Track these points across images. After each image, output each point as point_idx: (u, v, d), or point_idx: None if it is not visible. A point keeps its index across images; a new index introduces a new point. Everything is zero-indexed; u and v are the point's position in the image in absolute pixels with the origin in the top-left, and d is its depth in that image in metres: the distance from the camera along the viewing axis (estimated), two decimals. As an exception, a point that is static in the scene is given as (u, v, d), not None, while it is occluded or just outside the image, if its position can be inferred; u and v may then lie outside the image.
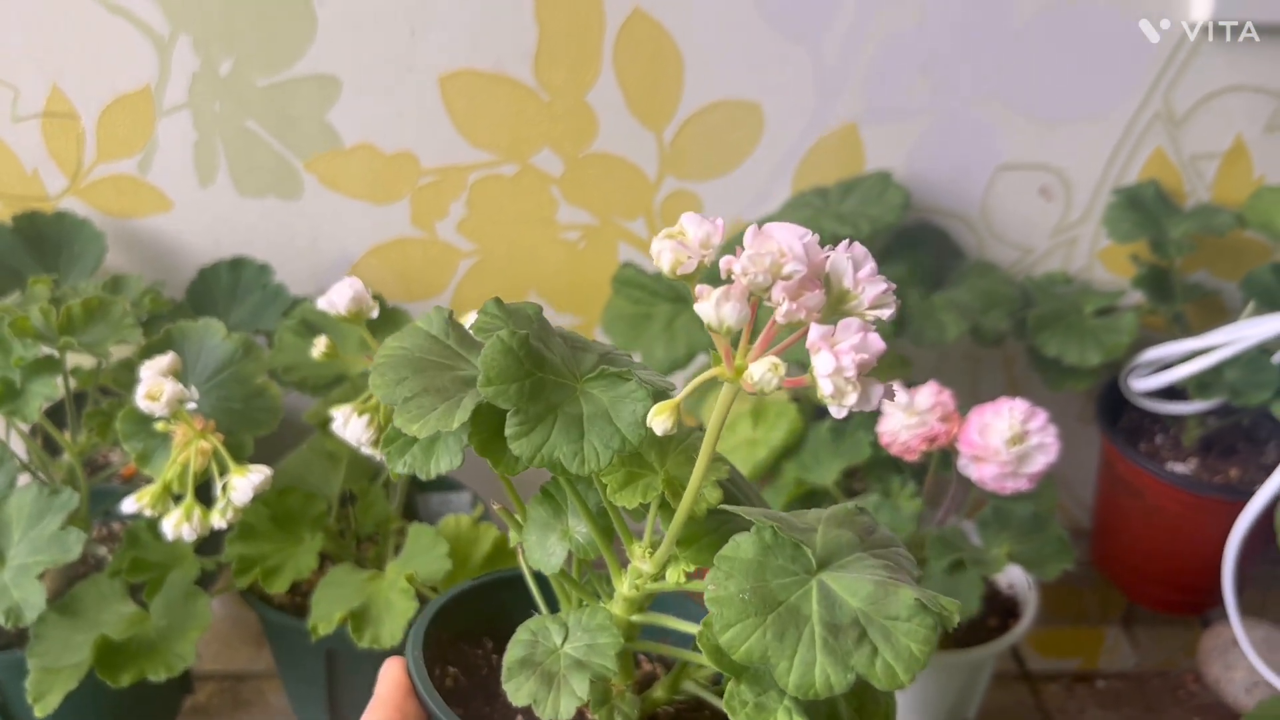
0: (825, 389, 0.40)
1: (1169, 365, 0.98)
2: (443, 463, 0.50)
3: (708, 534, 0.49)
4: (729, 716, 0.45)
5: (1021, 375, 1.11)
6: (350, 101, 0.98)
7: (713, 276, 0.43)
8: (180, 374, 0.76)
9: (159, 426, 0.76)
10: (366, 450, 0.75)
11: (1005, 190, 1.04)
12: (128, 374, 0.84)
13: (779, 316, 0.42)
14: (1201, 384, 0.97)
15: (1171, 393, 1.02)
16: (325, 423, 0.90)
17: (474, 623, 0.59)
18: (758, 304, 0.42)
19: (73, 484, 0.84)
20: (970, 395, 0.97)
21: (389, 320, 0.89)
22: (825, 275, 0.43)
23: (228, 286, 1.00)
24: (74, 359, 0.87)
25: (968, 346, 1.09)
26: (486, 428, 0.48)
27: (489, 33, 0.95)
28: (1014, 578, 0.95)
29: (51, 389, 0.79)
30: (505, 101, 0.98)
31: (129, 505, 0.75)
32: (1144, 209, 1.01)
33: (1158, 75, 0.98)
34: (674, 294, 1.00)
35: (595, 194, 1.03)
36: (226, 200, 1.01)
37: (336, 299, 0.75)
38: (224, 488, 0.75)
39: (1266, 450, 1.04)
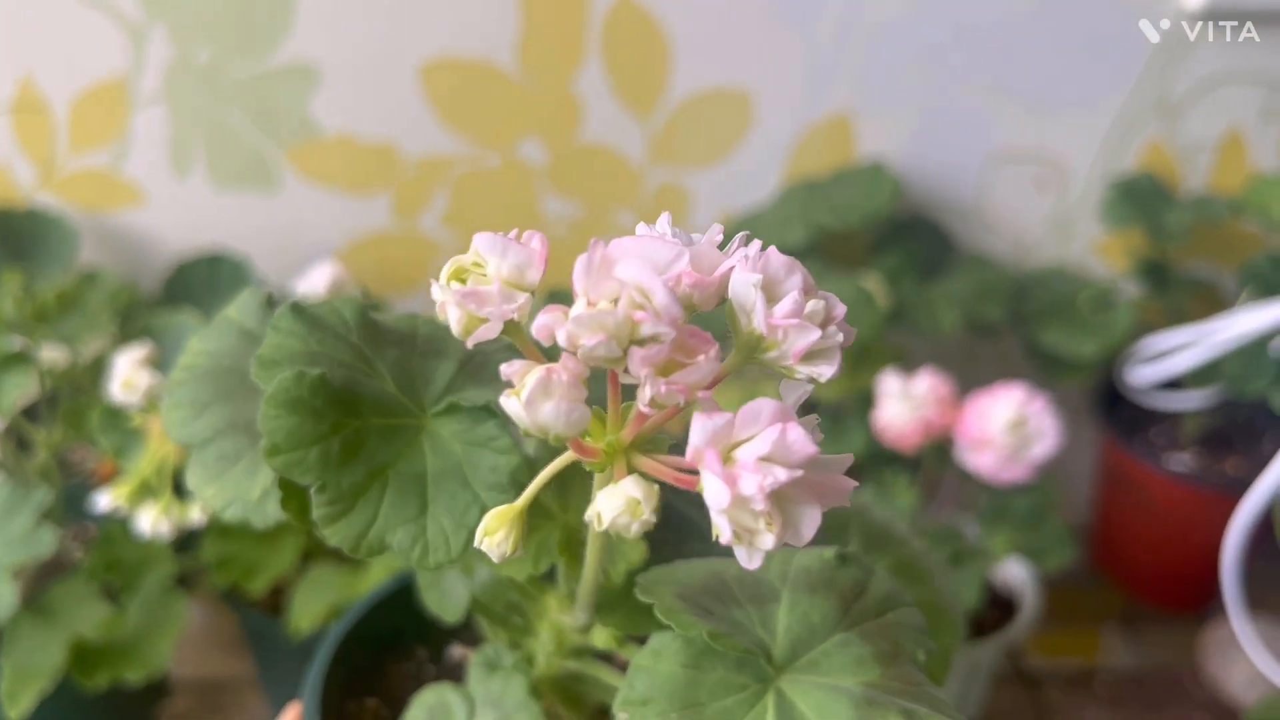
0: (723, 532, 0.27)
1: (1166, 355, 0.97)
2: (273, 505, 0.35)
3: (632, 597, 0.35)
4: None
5: (1017, 370, 1.09)
6: (330, 92, 0.95)
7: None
8: (158, 365, 0.73)
9: (134, 420, 0.73)
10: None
11: (998, 180, 1.02)
12: (104, 370, 0.82)
13: (642, 404, 0.28)
14: (1198, 374, 0.95)
15: (1167, 383, 1.01)
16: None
17: (399, 630, 0.48)
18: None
19: (48, 481, 0.82)
20: (966, 390, 0.95)
21: (372, 313, 0.87)
22: (728, 305, 0.29)
23: (205, 281, 0.98)
24: (47, 358, 0.85)
25: (963, 341, 1.08)
26: (303, 492, 0.33)
27: (471, 20, 0.93)
28: (1010, 576, 0.94)
29: (25, 382, 0.76)
30: (488, 91, 0.96)
31: (103, 502, 0.73)
32: (1140, 200, 1.00)
33: (1151, 63, 0.97)
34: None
35: (582, 186, 1.01)
36: (204, 194, 0.99)
37: (317, 280, 0.72)
38: (202, 482, 0.72)
39: (1263, 443, 1.03)
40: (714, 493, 0.27)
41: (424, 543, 0.33)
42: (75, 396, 0.85)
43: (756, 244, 0.30)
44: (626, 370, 0.28)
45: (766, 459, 0.27)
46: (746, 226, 0.99)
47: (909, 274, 0.99)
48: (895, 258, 1.00)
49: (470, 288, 0.30)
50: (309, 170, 0.98)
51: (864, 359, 0.91)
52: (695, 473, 0.28)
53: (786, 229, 0.95)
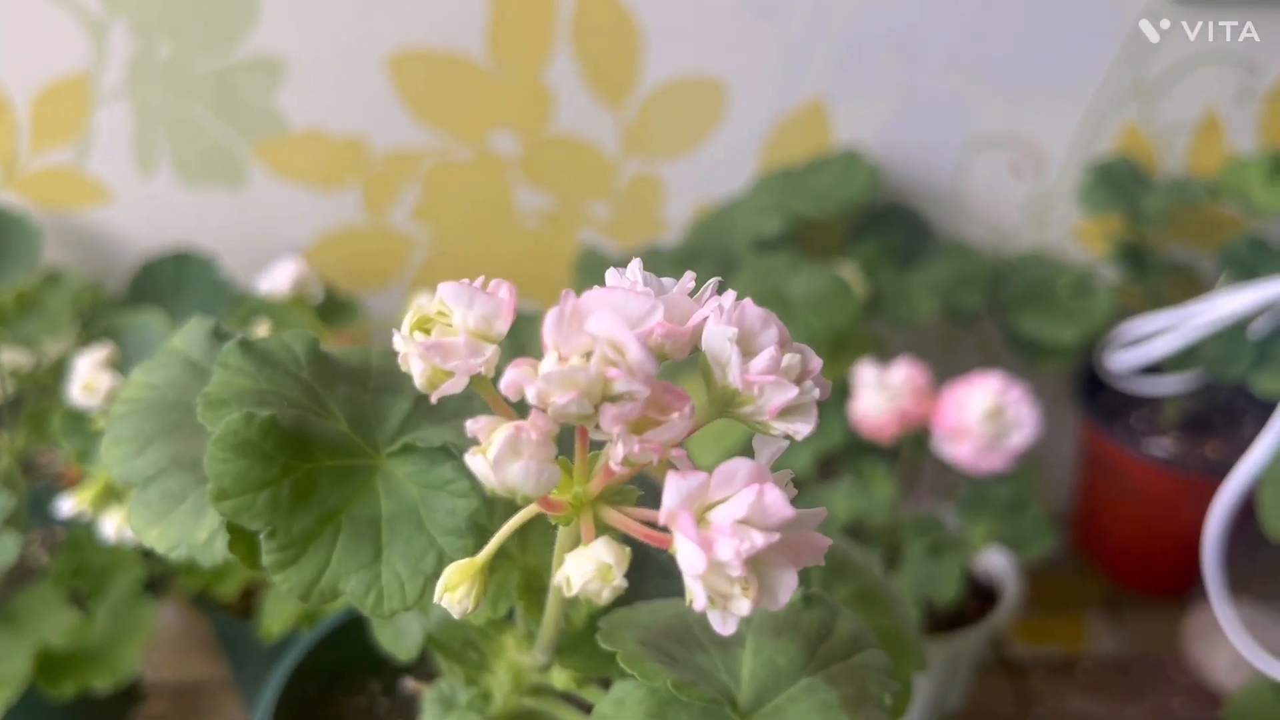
0: (698, 597, 0.26)
1: (1145, 340, 0.96)
2: (221, 546, 0.33)
3: (593, 639, 0.34)
4: None
5: (996, 358, 1.08)
6: (297, 85, 0.94)
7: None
8: (120, 366, 0.72)
9: (97, 423, 0.72)
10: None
11: (975, 166, 1.01)
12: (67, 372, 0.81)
13: (614, 463, 0.27)
14: (1178, 358, 0.95)
15: (1147, 368, 1.00)
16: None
17: (351, 662, 0.47)
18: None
19: (10, 487, 0.80)
20: (945, 378, 0.94)
21: (339, 310, 0.86)
22: (701, 357, 0.29)
23: (172, 280, 0.96)
24: (10, 360, 0.83)
25: (941, 329, 1.07)
26: (252, 534, 0.32)
27: (439, 10, 0.92)
28: (991, 565, 0.93)
29: (-17, 387, 0.75)
30: (458, 82, 0.94)
31: (67, 507, 0.71)
32: (1117, 184, 0.99)
33: (1127, 46, 0.96)
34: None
35: (554, 177, 0.99)
36: (170, 190, 0.97)
37: (280, 278, 0.71)
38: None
39: (1243, 426, 1.02)
40: (689, 558, 0.26)
41: (378, 590, 0.31)
42: (39, 399, 0.84)
43: (731, 294, 0.29)
44: (598, 427, 0.27)
45: (743, 522, 0.26)
46: (722, 216, 0.98)
47: (886, 262, 0.98)
48: (872, 246, 0.99)
49: (435, 340, 0.29)
50: (277, 165, 0.97)
51: (841, 349, 0.90)
52: (666, 529, 0.27)
53: (762, 218, 0.94)
